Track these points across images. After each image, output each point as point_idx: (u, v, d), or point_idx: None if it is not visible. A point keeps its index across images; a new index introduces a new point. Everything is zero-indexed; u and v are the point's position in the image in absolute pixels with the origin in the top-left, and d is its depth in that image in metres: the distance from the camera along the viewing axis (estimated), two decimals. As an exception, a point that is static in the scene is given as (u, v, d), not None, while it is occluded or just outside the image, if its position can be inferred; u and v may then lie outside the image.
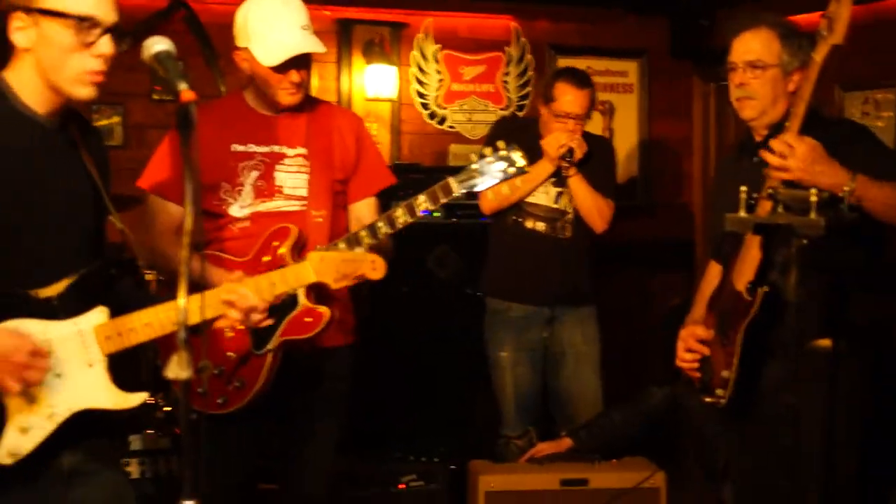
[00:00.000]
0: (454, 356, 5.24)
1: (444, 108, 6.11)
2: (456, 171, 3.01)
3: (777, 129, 2.90)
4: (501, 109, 6.18)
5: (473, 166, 2.98)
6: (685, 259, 6.32)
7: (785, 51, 3.01)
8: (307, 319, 3.03)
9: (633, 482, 4.15)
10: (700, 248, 6.29)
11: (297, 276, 2.75)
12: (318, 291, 3.04)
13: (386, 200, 3.39)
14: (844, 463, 2.89)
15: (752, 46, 3.02)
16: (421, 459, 4.67)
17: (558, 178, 4.48)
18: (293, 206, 3.20)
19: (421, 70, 6.07)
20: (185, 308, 1.88)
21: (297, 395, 3.24)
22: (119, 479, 2.67)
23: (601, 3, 6.14)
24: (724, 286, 3.01)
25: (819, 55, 2.71)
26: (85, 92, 2.38)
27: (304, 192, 3.20)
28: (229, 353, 3.07)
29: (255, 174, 3.20)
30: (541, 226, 4.53)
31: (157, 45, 2.10)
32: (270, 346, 3.04)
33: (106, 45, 2.37)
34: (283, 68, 3.10)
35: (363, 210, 3.31)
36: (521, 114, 6.17)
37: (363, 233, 3.01)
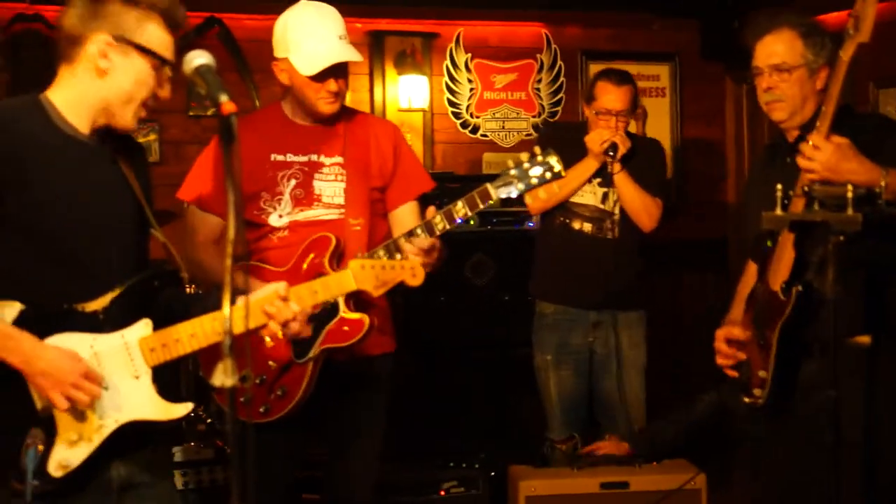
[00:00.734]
0: (492, 363, 5.26)
1: (477, 117, 6.13)
2: (491, 178, 3.02)
3: (808, 128, 2.89)
4: (534, 117, 6.19)
5: (511, 172, 2.99)
6: (719, 260, 6.31)
7: (809, 49, 2.99)
8: (347, 328, 3.06)
9: (674, 484, 4.14)
10: (733, 250, 6.27)
11: (338, 285, 2.77)
12: (357, 299, 3.07)
13: (424, 208, 3.41)
14: (886, 459, 2.88)
15: (776, 49, 3.01)
16: (461, 465, 4.68)
17: (604, 179, 4.49)
18: (332, 214, 3.23)
19: (452, 79, 6.10)
20: (230, 316, 1.89)
21: (339, 404, 3.27)
22: (169, 489, 2.72)
23: (631, 7, 6.14)
24: (761, 286, 3.01)
25: (846, 54, 2.69)
26: (133, 123, 2.52)
27: (341, 201, 3.24)
28: (270, 363, 3.11)
29: (293, 183, 3.23)
30: (588, 227, 4.54)
31: (198, 58, 2.13)
32: (311, 354, 3.08)
33: (168, 88, 2.53)
34: (321, 77, 3.14)
35: (405, 215, 3.33)
36: (553, 120, 6.19)
37: (402, 240, 3.03)
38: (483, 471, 4.63)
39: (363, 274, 2.74)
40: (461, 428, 5.13)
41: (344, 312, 3.05)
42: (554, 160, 2.99)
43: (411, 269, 2.75)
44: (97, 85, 2.45)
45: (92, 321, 2.42)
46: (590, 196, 4.53)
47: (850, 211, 2.45)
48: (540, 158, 3.00)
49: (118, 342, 2.43)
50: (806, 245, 2.79)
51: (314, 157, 3.26)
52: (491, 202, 2.99)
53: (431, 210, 3.05)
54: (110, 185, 2.52)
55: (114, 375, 2.41)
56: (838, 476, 2.62)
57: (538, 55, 6.21)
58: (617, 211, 4.53)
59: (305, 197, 3.23)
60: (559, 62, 6.22)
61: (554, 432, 4.64)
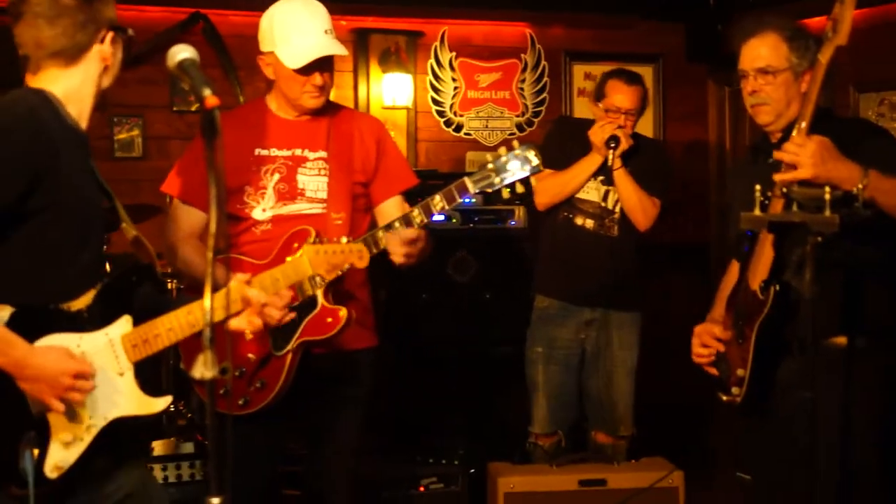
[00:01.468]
0: (473, 360, 5.27)
1: (461, 116, 6.15)
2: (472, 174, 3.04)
3: (791, 129, 2.92)
4: (517, 116, 6.21)
5: (489, 166, 3.01)
6: (701, 263, 6.33)
7: (793, 53, 3.01)
8: (328, 320, 3.07)
9: (650, 482, 4.17)
10: (714, 250, 6.30)
11: (295, 270, 2.79)
12: (336, 292, 3.09)
13: (411, 205, 3.42)
14: (862, 459, 2.90)
15: (761, 52, 3.03)
16: (441, 462, 4.69)
17: (606, 176, 4.52)
18: (315, 208, 3.24)
19: (437, 78, 6.11)
20: (210, 309, 1.90)
21: (320, 398, 3.27)
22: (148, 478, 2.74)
23: (616, 9, 6.16)
24: (741, 285, 3.04)
25: (825, 56, 2.72)
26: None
27: (324, 195, 3.24)
28: (249, 355, 3.11)
29: (277, 177, 3.24)
30: (590, 223, 4.57)
31: (182, 53, 2.13)
32: (289, 346, 3.08)
33: None
34: (306, 71, 3.16)
35: (389, 210, 3.33)
36: (536, 120, 6.21)
37: (380, 233, 3.04)
38: (462, 467, 4.65)
39: (317, 259, 2.77)
40: (441, 424, 5.13)
41: (323, 305, 3.06)
42: (531, 154, 2.99)
43: (358, 251, 2.78)
44: (101, 78, 2.49)
45: (77, 320, 2.41)
46: (593, 192, 4.57)
47: (827, 212, 2.47)
48: (518, 152, 3.00)
49: (103, 340, 2.43)
50: (784, 245, 2.82)
51: (298, 152, 3.27)
52: (469, 194, 3.01)
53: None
54: (96, 181, 2.53)
55: (100, 373, 2.41)
56: (814, 476, 2.65)
57: (522, 55, 6.23)
58: (617, 210, 4.56)
59: (289, 191, 3.24)
60: (543, 62, 6.24)
61: (537, 426, 4.64)
